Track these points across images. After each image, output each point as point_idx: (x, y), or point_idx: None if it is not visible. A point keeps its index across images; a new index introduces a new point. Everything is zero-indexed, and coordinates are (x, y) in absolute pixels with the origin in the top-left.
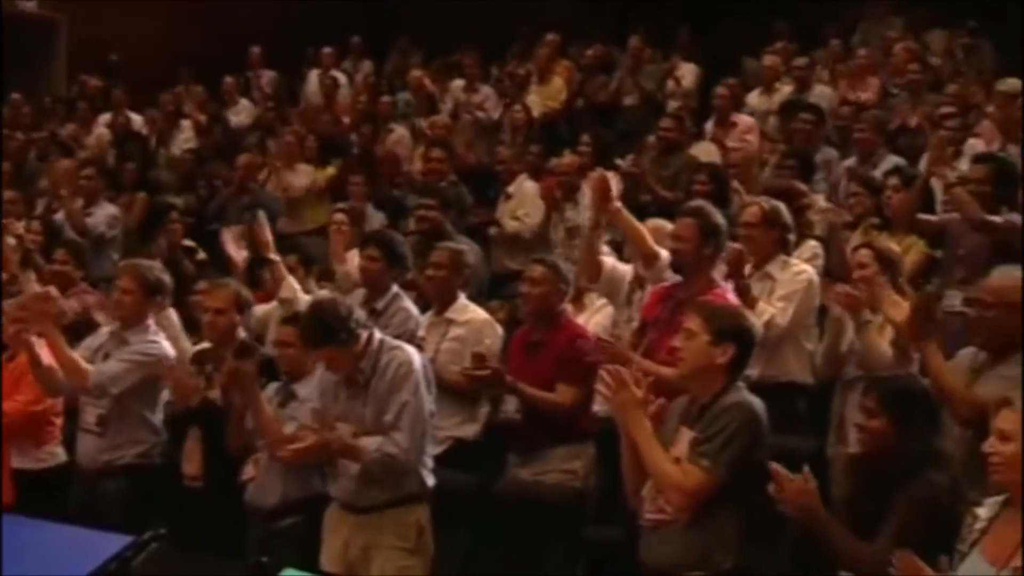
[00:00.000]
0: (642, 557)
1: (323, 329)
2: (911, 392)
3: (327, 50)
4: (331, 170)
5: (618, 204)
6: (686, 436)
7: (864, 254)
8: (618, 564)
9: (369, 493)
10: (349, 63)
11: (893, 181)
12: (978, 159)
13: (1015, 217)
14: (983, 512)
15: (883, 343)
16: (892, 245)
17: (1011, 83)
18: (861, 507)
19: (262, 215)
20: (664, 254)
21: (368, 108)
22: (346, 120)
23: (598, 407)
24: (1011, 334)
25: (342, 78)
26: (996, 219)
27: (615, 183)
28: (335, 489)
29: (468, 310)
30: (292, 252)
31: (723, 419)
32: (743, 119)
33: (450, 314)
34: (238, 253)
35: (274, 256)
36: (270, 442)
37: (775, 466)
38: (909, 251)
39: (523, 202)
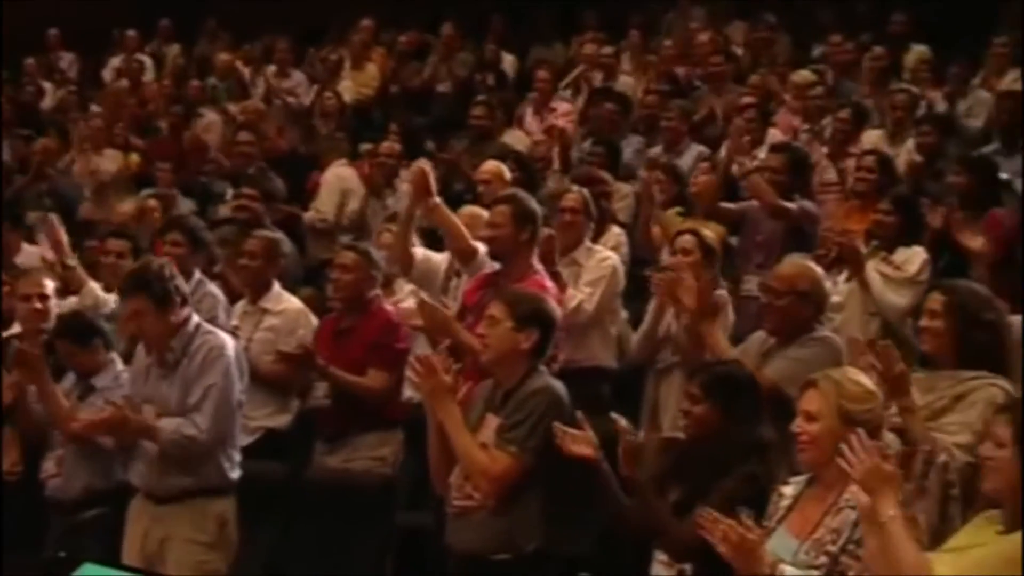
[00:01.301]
0: (449, 542)
1: (140, 278)
2: (735, 379)
3: (131, 33)
4: (135, 156)
5: (437, 200)
6: (492, 422)
7: (687, 240)
8: (428, 550)
9: (167, 481)
10: (155, 46)
11: (698, 169)
12: (774, 148)
13: (808, 204)
14: (788, 490)
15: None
16: (709, 232)
17: (804, 75)
18: (669, 489)
19: (53, 217)
20: (482, 248)
21: (175, 92)
22: (152, 105)
23: (408, 393)
24: (798, 321)
25: (148, 61)
26: (791, 206)
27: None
28: (134, 475)
29: (283, 299)
30: (123, 238)
31: (529, 405)
32: (562, 104)
33: (264, 303)
34: (63, 236)
35: (71, 262)
36: (60, 420)
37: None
38: None
39: (322, 191)
